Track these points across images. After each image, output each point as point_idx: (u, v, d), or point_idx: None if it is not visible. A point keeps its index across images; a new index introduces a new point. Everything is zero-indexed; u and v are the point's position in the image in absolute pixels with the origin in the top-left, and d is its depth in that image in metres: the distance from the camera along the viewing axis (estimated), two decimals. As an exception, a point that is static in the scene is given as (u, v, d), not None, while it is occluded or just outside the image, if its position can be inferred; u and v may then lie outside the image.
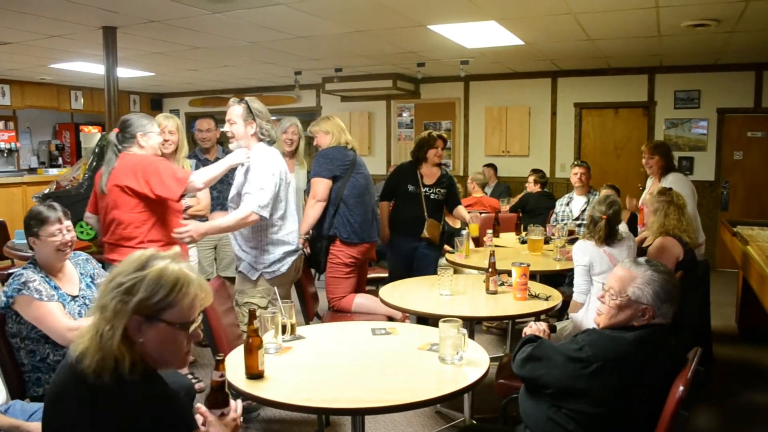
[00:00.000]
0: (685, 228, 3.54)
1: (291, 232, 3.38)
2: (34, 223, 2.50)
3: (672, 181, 4.28)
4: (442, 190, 4.51)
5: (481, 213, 5.81)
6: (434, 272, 4.02)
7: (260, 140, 3.29)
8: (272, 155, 3.28)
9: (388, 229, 4.50)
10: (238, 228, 3.22)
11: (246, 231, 3.28)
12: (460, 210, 4.71)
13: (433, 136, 4.51)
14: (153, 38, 5.99)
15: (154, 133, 3.25)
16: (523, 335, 2.34)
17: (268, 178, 3.16)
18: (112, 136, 3.24)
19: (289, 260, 3.36)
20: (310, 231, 3.92)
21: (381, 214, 4.36)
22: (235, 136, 3.29)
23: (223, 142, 4.23)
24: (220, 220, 3.31)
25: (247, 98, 3.30)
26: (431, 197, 4.46)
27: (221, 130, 3.35)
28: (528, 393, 2.15)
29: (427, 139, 4.50)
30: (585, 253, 3.32)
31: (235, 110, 3.27)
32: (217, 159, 4.29)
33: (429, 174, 4.51)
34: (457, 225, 5.21)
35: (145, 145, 3.20)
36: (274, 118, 5.21)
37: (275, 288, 3.25)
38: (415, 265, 4.43)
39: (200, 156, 4.55)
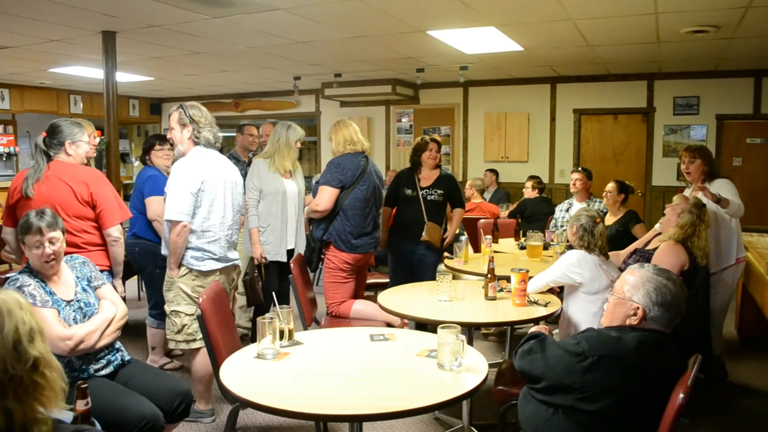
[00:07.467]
0: (707, 252, 3.43)
1: (214, 241, 3.27)
2: (20, 230, 2.47)
3: (719, 186, 3.79)
4: (439, 191, 4.47)
5: (480, 219, 5.81)
6: (432, 277, 4.01)
7: (196, 144, 3.29)
8: (193, 163, 3.22)
9: (390, 233, 4.52)
10: (178, 245, 3.17)
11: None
12: (456, 214, 4.63)
13: (425, 140, 4.55)
14: (152, 43, 5.99)
15: (83, 142, 3.19)
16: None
17: (180, 187, 3.17)
18: (39, 140, 3.14)
19: (210, 264, 3.27)
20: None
21: (382, 219, 4.35)
22: (174, 141, 3.33)
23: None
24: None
25: (184, 104, 3.32)
26: (429, 199, 4.43)
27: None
28: (527, 397, 2.14)
29: (420, 144, 4.54)
30: (584, 267, 3.05)
31: (172, 117, 3.32)
32: (249, 161, 4.73)
33: (427, 177, 4.51)
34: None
35: (73, 153, 3.15)
36: (270, 121, 5.29)
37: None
38: (415, 268, 4.42)
39: (239, 158, 4.85)
